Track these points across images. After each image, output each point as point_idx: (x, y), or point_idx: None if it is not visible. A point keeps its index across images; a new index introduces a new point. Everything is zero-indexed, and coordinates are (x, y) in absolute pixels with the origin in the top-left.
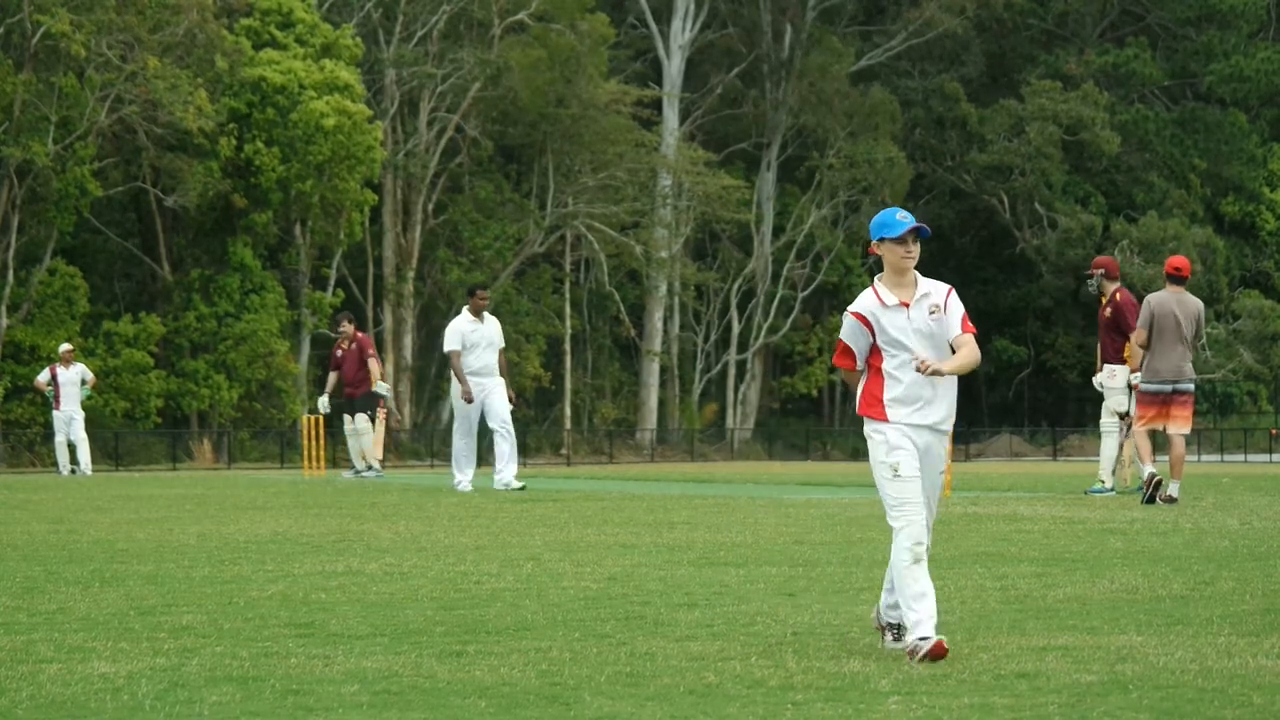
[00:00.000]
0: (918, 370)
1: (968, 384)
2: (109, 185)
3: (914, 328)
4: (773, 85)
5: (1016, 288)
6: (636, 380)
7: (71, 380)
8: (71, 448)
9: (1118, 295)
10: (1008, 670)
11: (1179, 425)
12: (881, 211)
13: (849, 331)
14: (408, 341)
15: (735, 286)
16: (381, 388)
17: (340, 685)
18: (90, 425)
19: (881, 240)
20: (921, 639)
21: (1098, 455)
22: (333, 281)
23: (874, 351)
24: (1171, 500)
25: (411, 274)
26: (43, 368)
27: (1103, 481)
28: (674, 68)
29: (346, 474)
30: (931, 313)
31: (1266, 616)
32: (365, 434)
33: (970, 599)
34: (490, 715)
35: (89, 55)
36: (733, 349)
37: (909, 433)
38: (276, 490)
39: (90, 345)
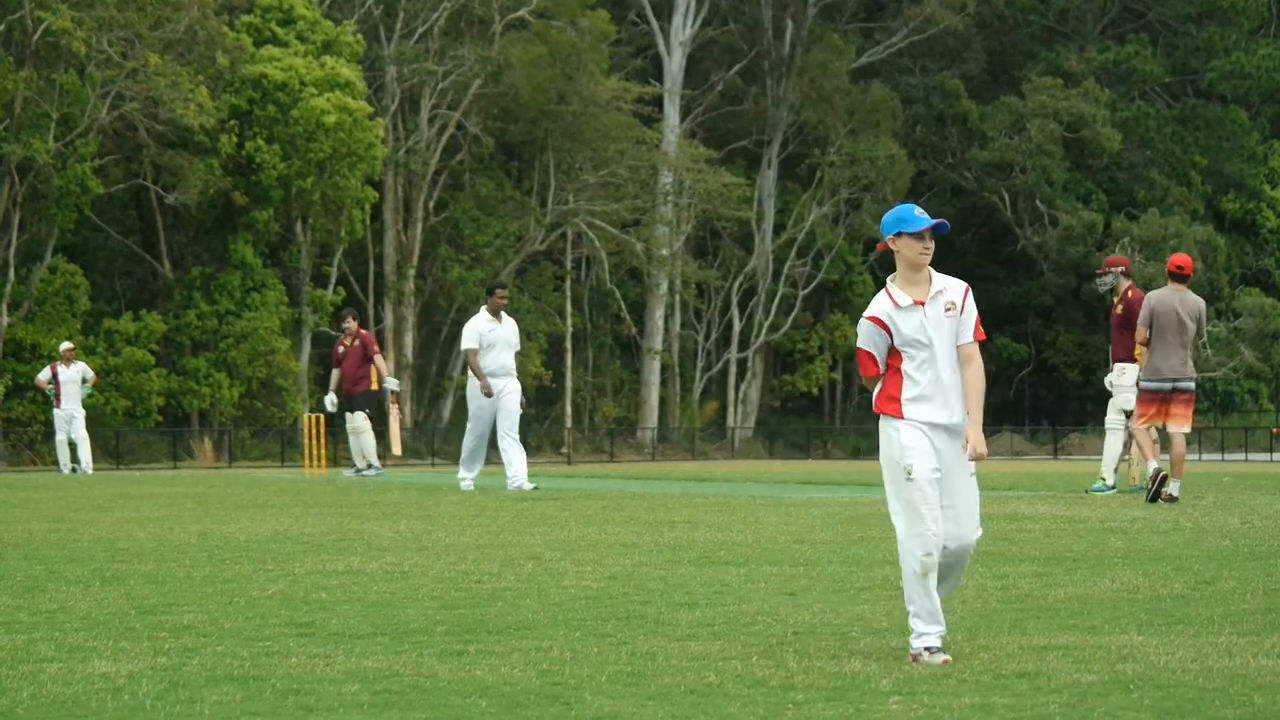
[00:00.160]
0: (971, 460)
1: None
2: (110, 183)
3: (930, 324)
4: (774, 82)
5: (1017, 285)
6: (637, 378)
7: (72, 378)
8: (72, 446)
9: (1129, 293)
10: (1009, 670)
11: (1179, 424)
12: (897, 207)
13: (866, 337)
14: (408, 339)
15: (736, 284)
16: (392, 383)
17: (341, 685)
18: (91, 424)
19: (899, 235)
20: (928, 649)
21: (1099, 454)
22: (333, 279)
23: (892, 352)
24: (1172, 499)
25: (412, 271)
26: (43, 366)
27: (1104, 479)
28: (675, 64)
29: (347, 473)
30: (947, 309)
31: (1267, 616)
32: (364, 432)
33: (971, 598)
34: (491, 715)
35: (90, 52)
36: (733, 347)
37: (926, 431)
38: (277, 489)
39: (91, 343)
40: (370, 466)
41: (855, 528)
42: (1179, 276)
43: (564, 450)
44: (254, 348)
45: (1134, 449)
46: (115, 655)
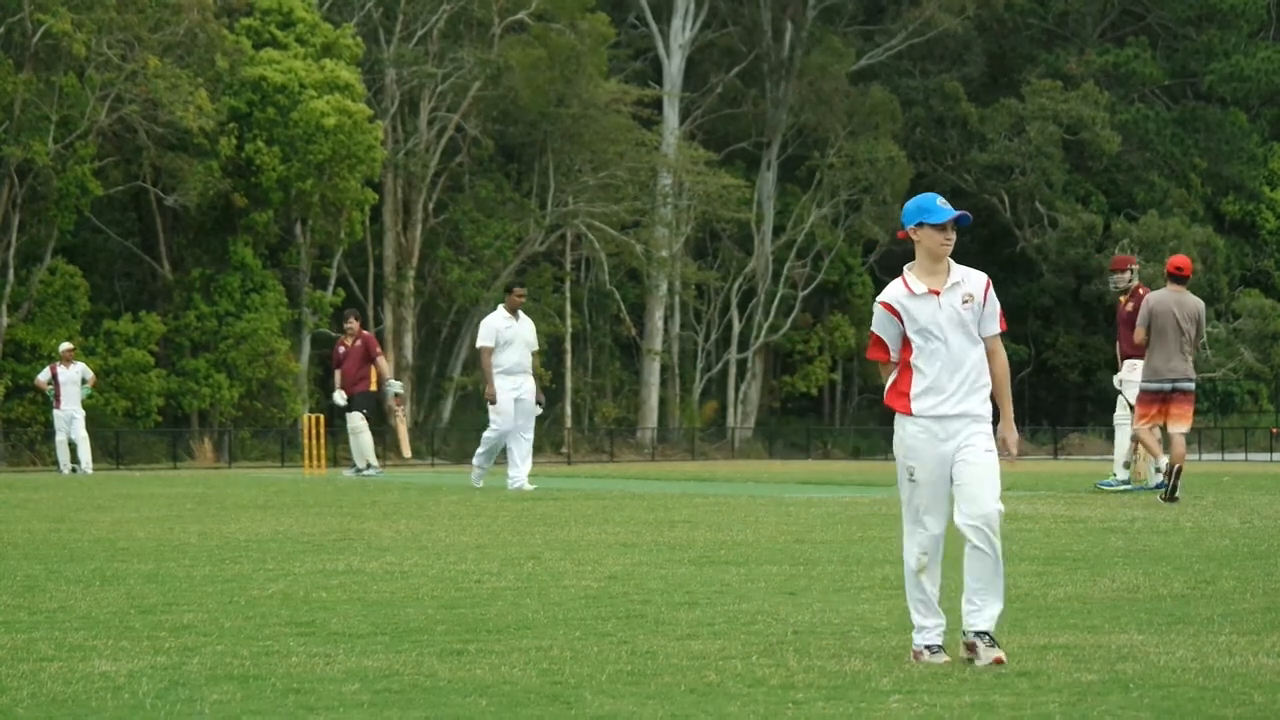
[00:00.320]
0: (1004, 459)
1: None
2: (109, 184)
3: (944, 315)
4: (773, 84)
5: (1017, 287)
6: (637, 379)
7: (72, 379)
8: (72, 446)
9: (1140, 290)
10: (1009, 669)
11: (1179, 424)
12: (918, 196)
13: (878, 322)
14: (408, 340)
15: (736, 285)
16: (395, 386)
17: (341, 684)
18: (91, 424)
19: (920, 225)
20: (929, 647)
21: (1099, 454)
22: (333, 280)
23: (905, 344)
24: (1173, 499)
25: (412, 273)
26: (43, 367)
27: (1115, 475)
28: (674, 67)
29: (347, 473)
30: (965, 301)
31: (1267, 615)
32: (361, 432)
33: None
34: (491, 714)
35: (89, 54)
36: (733, 348)
37: (934, 428)
38: (277, 489)
39: (91, 344)
40: (369, 466)
41: (855, 528)
42: (1178, 278)
43: (564, 450)
44: (254, 349)
45: (1139, 449)
46: (115, 654)
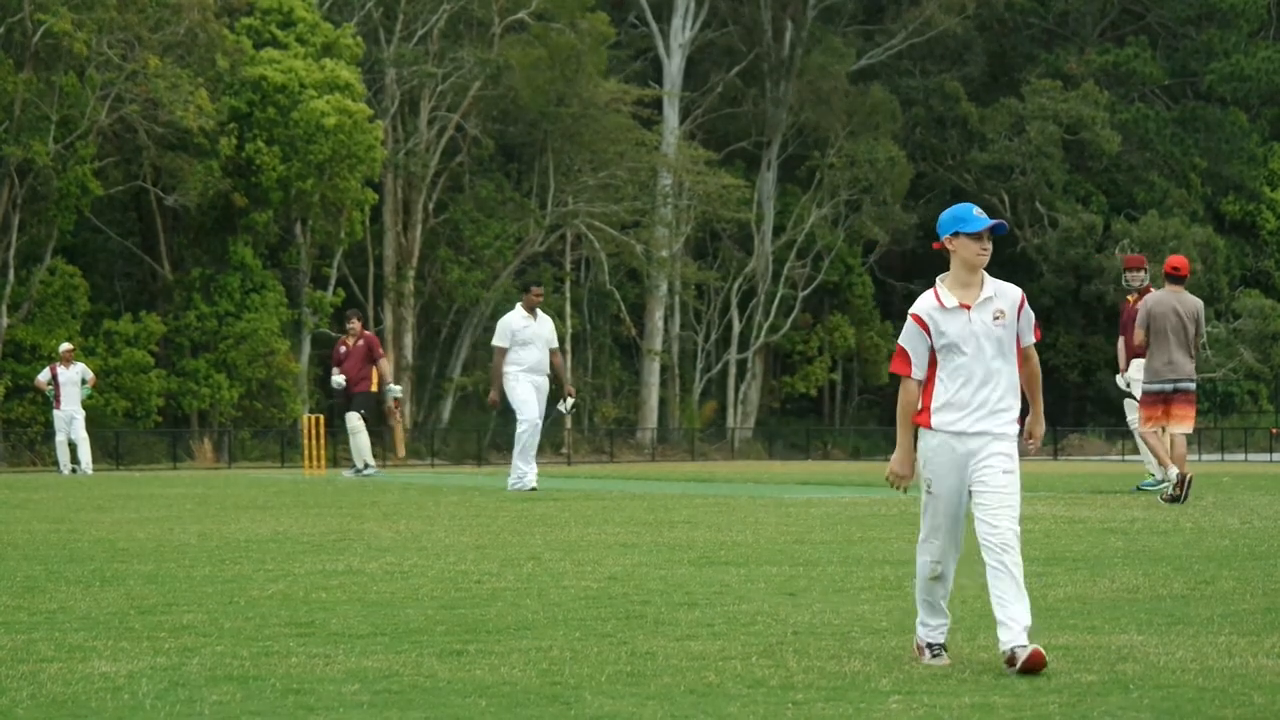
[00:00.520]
0: (1028, 446)
1: None
2: (109, 184)
3: (973, 330)
4: (773, 84)
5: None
6: (637, 379)
7: (72, 379)
8: (72, 447)
9: (1149, 289)
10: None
11: (1180, 424)
12: (954, 206)
13: (907, 335)
14: (408, 341)
15: (736, 286)
16: (395, 389)
17: (341, 684)
18: (91, 424)
19: (956, 235)
20: (930, 646)
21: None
22: (333, 280)
23: (931, 360)
24: (1174, 499)
25: (412, 273)
26: (43, 367)
27: (1153, 475)
28: (674, 66)
29: (347, 473)
30: (996, 317)
31: (1267, 615)
32: (359, 432)
33: (971, 598)
34: (491, 714)
35: (90, 54)
36: (733, 348)
37: (952, 443)
38: (277, 489)
39: (91, 344)
40: (368, 466)
41: (855, 528)
42: (1175, 278)
43: (564, 450)
44: (254, 349)
45: (1145, 453)
46: (115, 655)
